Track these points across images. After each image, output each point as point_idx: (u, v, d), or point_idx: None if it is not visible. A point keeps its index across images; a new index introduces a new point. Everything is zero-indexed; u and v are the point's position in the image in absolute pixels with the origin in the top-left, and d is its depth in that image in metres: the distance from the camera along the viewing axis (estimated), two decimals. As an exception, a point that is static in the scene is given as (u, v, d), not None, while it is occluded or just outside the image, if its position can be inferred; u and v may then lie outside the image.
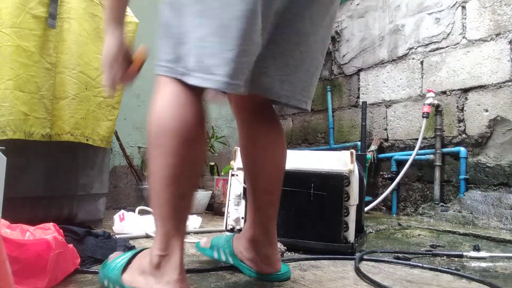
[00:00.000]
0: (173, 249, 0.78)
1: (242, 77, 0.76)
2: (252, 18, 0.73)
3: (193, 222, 1.82)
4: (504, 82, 2.11)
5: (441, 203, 2.30)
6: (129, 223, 1.68)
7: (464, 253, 1.33)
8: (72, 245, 1.00)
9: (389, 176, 2.59)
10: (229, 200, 1.54)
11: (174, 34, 0.78)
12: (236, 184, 1.53)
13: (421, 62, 2.50)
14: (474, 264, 1.26)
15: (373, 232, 1.85)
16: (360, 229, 1.51)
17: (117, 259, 0.90)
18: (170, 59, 0.78)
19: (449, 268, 1.16)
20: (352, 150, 1.39)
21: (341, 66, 3.06)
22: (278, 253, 1.03)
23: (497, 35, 2.14)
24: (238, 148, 1.53)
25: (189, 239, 1.60)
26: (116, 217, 1.72)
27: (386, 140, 2.70)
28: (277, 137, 0.99)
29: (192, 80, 0.75)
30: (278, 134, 1.00)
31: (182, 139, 0.75)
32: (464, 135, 2.28)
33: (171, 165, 0.75)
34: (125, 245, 1.27)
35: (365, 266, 1.19)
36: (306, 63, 0.91)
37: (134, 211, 1.90)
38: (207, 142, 0.84)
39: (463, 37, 2.29)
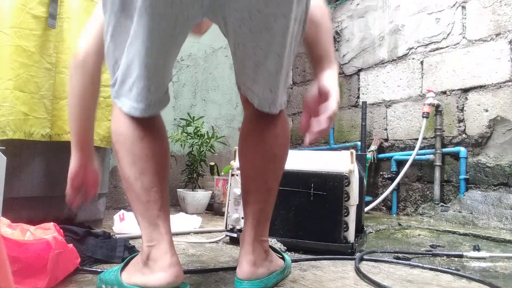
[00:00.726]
0: (159, 237, 0.82)
1: (144, 100, 0.83)
2: (148, 52, 0.78)
3: (193, 222, 1.82)
4: (504, 82, 2.11)
5: (441, 203, 2.30)
6: (129, 223, 1.68)
7: (464, 253, 1.33)
8: (72, 245, 1.00)
9: (389, 176, 2.59)
10: (229, 200, 1.54)
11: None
12: (236, 184, 1.53)
13: (421, 62, 2.50)
14: (474, 264, 1.26)
15: (373, 232, 1.85)
16: (360, 229, 1.51)
17: (113, 269, 0.92)
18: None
19: (449, 268, 1.16)
20: (352, 150, 1.39)
21: (341, 66, 3.06)
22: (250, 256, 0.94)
23: (497, 35, 2.14)
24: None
25: (189, 239, 1.60)
26: (116, 217, 1.72)
27: (386, 140, 2.70)
28: (271, 134, 0.93)
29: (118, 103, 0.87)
30: (273, 130, 0.94)
31: (130, 140, 0.84)
32: (464, 135, 2.28)
33: (129, 164, 0.84)
34: (125, 245, 1.26)
35: (365, 266, 1.19)
36: (268, 62, 0.82)
37: (134, 211, 1.90)
38: (158, 138, 0.89)
39: (463, 37, 2.29)
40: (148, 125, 0.86)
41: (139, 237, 1.57)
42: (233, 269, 1.11)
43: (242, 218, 1.50)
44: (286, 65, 0.86)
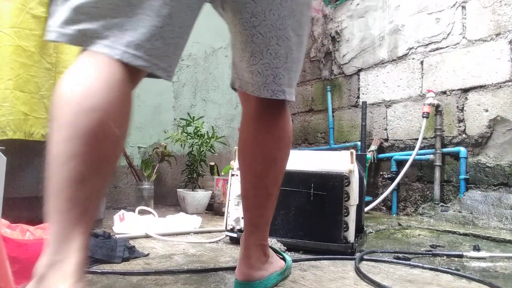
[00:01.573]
0: (67, 253, 0.57)
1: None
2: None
3: (193, 222, 1.82)
4: (504, 82, 2.11)
5: (441, 203, 2.30)
6: (129, 223, 1.68)
7: (464, 253, 1.33)
8: (72, 245, 1.00)
9: (389, 176, 2.59)
10: (229, 200, 1.54)
11: None
12: (236, 184, 1.53)
13: (421, 62, 2.50)
14: (474, 264, 1.26)
15: (373, 232, 1.85)
16: (360, 229, 1.51)
17: None
18: None
19: (449, 268, 1.16)
20: (352, 150, 1.39)
21: (341, 66, 3.06)
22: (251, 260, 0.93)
23: (497, 35, 2.14)
24: (238, 148, 1.53)
25: (189, 239, 1.60)
26: (116, 217, 1.72)
27: (386, 140, 2.70)
28: (272, 137, 0.88)
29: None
30: (273, 132, 0.89)
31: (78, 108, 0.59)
32: (464, 135, 2.28)
33: (65, 139, 0.59)
34: (125, 245, 1.27)
35: (365, 266, 1.19)
36: (271, 46, 0.79)
37: (134, 211, 1.90)
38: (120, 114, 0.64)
39: (463, 37, 2.29)
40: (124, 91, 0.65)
41: (139, 237, 1.57)
42: (233, 269, 1.11)
43: (242, 218, 1.50)
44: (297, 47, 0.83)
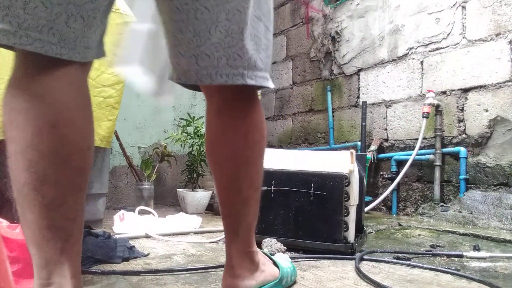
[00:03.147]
0: (61, 281, 0.54)
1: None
2: None
3: (193, 222, 1.82)
4: (504, 82, 2.11)
5: (441, 203, 2.30)
6: (129, 223, 1.68)
7: (464, 253, 1.33)
8: (72, 245, 1.00)
9: (389, 176, 2.59)
10: (229, 200, 1.54)
11: None
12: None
13: (421, 62, 2.50)
14: (474, 264, 1.26)
15: (373, 232, 1.85)
16: (360, 229, 1.51)
17: None
18: None
19: (449, 268, 1.16)
20: (352, 150, 1.39)
21: (341, 66, 3.06)
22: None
23: (497, 35, 2.14)
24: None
25: (189, 239, 1.60)
26: (116, 217, 1.72)
27: (386, 140, 2.70)
28: (240, 132, 0.76)
29: None
30: (241, 127, 0.76)
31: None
32: (464, 135, 2.28)
33: (23, 166, 0.54)
34: (125, 245, 1.27)
35: (365, 266, 1.19)
36: (220, 22, 0.65)
37: (134, 211, 1.90)
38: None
39: (463, 37, 2.29)
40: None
41: (139, 237, 1.57)
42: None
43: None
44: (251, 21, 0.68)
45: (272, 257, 0.97)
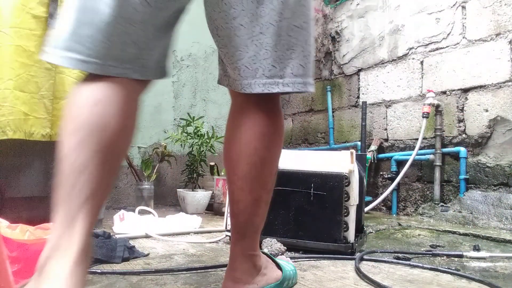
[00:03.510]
0: (67, 245, 0.59)
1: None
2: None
3: (193, 222, 1.82)
4: (504, 82, 2.11)
5: (441, 203, 2.30)
6: (129, 223, 1.68)
7: (464, 253, 1.33)
8: (72, 245, 1.00)
9: (389, 176, 2.59)
10: (229, 200, 1.54)
11: None
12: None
13: (421, 62, 2.50)
14: (474, 264, 1.26)
15: (373, 232, 1.85)
16: (360, 229, 1.51)
17: None
18: None
19: (449, 268, 1.16)
20: (352, 150, 1.39)
21: (341, 66, 3.06)
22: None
23: (497, 35, 2.14)
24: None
25: (189, 239, 1.60)
26: (116, 217, 1.72)
27: (386, 140, 2.70)
28: (256, 133, 0.79)
29: None
30: (258, 128, 0.79)
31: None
32: (464, 135, 2.28)
33: (70, 133, 0.65)
34: (125, 245, 1.26)
35: (365, 266, 1.19)
36: (255, 36, 0.72)
37: (134, 211, 1.90)
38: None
39: (463, 37, 2.29)
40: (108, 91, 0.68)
41: (139, 237, 1.57)
42: (233, 269, 1.11)
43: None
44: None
45: (276, 259, 0.97)
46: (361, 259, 1.26)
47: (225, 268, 1.11)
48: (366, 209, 2.39)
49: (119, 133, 0.67)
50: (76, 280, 0.57)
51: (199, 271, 1.10)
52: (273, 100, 0.81)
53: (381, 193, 2.56)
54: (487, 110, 2.18)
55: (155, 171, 2.58)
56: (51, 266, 0.57)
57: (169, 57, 0.80)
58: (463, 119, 2.28)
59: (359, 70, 2.91)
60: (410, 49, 2.56)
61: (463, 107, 2.29)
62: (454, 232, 1.81)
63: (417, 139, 2.39)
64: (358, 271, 1.11)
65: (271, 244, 1.33)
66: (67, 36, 0.65)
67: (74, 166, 0.62)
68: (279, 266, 0.95)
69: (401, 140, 2.61)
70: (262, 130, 0.79)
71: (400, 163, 2.53)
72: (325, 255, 1.30)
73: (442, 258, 1.33)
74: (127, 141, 0.71)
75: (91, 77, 0.68)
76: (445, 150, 2.33)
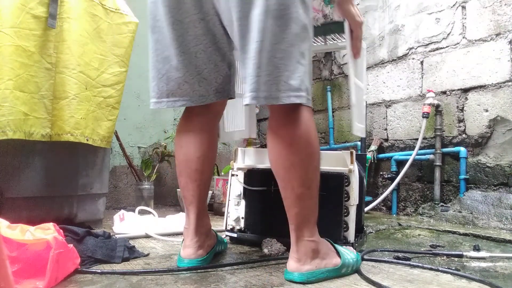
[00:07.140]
0: (188, 224, 1.16)
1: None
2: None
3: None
4: (504, 82, 2.11)
5: (441, 203, 2.30)
6: (129, 223, 1.68)
7: (464, 253, 1.32)
8: (72, 245, 1.00)
9: (389, 176, 2.59)
10: (229, 200, 1.54)
11: None
12: (236, 184, 1.53)
13: (421, 62, 2.50)
14: (474, 264, 1.26)
15: (373, 232, 1.85)
16: (360, 229, 1.51)
17: None
18: None
19: (449, 268, 1.16)
20: (352, 150, 1.39)
21: (341, 66, 3.06)
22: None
23: (497, 35, 2.14)
24: (239, 148, 1.53)
25: (189, 239, 1.60)
26: (116, 217, 1.72)
27: (386, 140, 2.70)
28: (285, 142, 0.98)
29: None
30: (286, 137, 0.98)
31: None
32: (464, 135, 2.28)
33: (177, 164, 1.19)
34: (125, 245, 1.27)
35: (365, 266, 1.19)
36: (245, 59, 0.96)
37: (134, 211, 1.90)
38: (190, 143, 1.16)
39: (463, 37, 2.29)
40: (190, 131, 1.19)
41: (139, 237, 1.58)
42: (233, 268, 1.11)
43: (242, 218, 1.50)
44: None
45: (337, 247, 1.10)
46: (361, 259, 1.25)
47: (225, 268, 1.12)
48: (366, 209, 2.39)
49: (199, 163, 1.15)
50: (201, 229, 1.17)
51: (199, 271, 1.10)
52: (295, 111, 0.97)
53: (381, 193, 2.56)
54: (487, 110, 2.18)
55: (155, 171, 2.58)
56: (184, 235, 1.18)
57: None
58: (463, 119, 2.28)
59: (359, 70, 2.91)
60: (410, 49, 2.57)
61: (463, 107, 2.29)
62: (454, 232, 1.81)
63: (417, 139, 2.39)
64: (358, 271, 1.11)
65: (271, 244, 1.33)
66: None
67: (181, 186, 1.17)
68: (339, 254, 1.08)
69: (401, 140, 2.61)
70: (286, 139, 0.97)
71: (400, 163, 2.53)
72: (325, 255, 1.29)
73: (442, 258, 1.33)
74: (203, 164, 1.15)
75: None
76: (445, 150, 2.34)
